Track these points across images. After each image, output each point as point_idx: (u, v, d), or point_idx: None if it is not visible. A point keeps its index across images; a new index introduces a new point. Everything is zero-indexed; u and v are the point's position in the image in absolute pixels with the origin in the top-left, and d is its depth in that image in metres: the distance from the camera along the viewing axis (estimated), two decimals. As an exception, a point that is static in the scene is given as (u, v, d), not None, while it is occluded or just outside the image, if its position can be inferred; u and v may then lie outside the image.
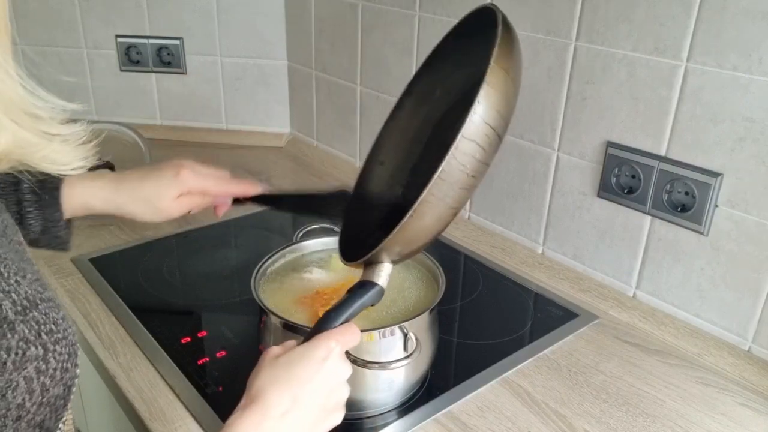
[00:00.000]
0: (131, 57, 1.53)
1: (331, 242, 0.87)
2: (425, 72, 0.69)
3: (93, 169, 0.94)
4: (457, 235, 1.17)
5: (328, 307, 0.76)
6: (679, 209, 0.89)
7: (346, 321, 0.58)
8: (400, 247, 0.58)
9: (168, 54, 1.52)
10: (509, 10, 1.02)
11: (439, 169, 0.52)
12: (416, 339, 0.70)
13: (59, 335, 0.42)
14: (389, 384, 0.74)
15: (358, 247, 0.63)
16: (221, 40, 1.51)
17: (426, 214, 0.55)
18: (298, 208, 0.94)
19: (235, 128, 1.60)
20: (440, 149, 0.52)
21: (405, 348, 0.71)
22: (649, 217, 0.93)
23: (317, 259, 0.87)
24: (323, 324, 0.57)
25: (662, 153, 0.90)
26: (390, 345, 0.71)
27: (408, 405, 0.77)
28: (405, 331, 0.70)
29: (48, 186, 0.77)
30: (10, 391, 0.38)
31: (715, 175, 0.84)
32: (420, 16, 1.18)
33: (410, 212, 0.54)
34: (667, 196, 0.90)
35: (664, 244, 0.93)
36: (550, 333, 0.91)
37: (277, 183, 1.38)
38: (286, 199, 0.92)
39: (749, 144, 0.81)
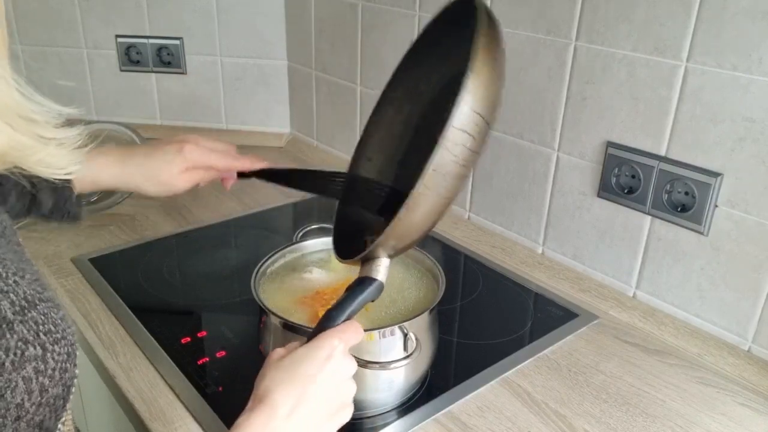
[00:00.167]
0: (131, 57, 1.53)
1: (331, 242, 0.87)
2: (406, 67, 0.69)
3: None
4: (457, 235, 1.17)
5: (328, 307, 0.76)
6: (679, 209, 0.89)
7: (348, 318, 0.58)
8: (396, 241, 0.58)
9: (168, 54, 1.52)
10: (509, 10, 1.03)
11: (431, 161, 0.52)
12: (416, 339, 0.70)
13: (58, 335, 0.42)
14: (389, 384, 0.74)
15: (352, 244, 0.63)
16: (221, 40, 1.51)
17: (420, 206, 0.55)
18: (301, 184, 0.93)
19: (235, 128, 1.60)
20: (429, 142, 0.52)
21: (405, 348, 0.71)
22: (649, 217, 0.93)
23: (317, 259, 0.87)
24: (325, 323, 0.57)
25: (662, 153, 0.90)
26: (390, 345, 0.71)
27: (408, 405, 0.77)
28: (405, 331, 0.70)
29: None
30: (9, 392, 0.38)
31: (715, 175, 0.84)
32: (420, 16, 1.18)
33: (405, 206, 0.54)
34: (667, 196, 0.90)
35: (664, 244, 0.93)
36: (550, 333, 0.91)
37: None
38: (289, 174, 0.91)
39: (749, 144, 0.81)
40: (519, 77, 1.05)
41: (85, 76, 1.56)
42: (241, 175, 0.90)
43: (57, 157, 0.46)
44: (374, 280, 0.60)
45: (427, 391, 0.79)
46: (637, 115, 0.91)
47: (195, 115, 1.59)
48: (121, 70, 1.55)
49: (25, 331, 0.40)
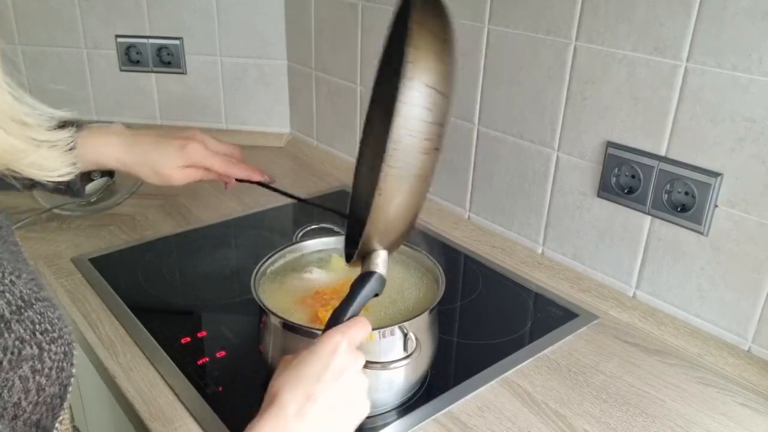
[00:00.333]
0: (131, 57, 1.53)
1: (331, 242, 0.87)
2: (382, 64, 0.70)
3: (86, 174, 0.97)
4: (457, 235, 1.17)
5: (327, 307, 0.76)
6: (679, 209, 0.89)
7: (354, 315, 0.59)
8: (384, 230, 0.58)
9: (168, 54, 1.52)
10: (509, 10, 1.03)
11: (389, 139, 0.52)
12: (416, 339, 0.70)
13: (55, 335, 0.42)
14: (389, 384, 0.74)
15: (354, 248, 0.63)
16: (221, 40, 1.51)
17: (394, 189, 0.55)
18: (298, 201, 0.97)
19: (235, 128, 1.60)
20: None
21: (405, 348, 0.71)
22: (649, 217, 0.93)
23: (317, 259, 0.87)
24: (331, 323, 0.58)
25: (662, 153, 0.89)
26: (390, 345, 0.71)
27: (408, 405, 0.77)
28: (405, 331, 0.70)
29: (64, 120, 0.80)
30: (6, 391, 0.38)
31: (715, 175, 0.84)
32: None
33: (377, 189, 0.54)
34: (666, 196, 0.90)
35: (664, 244, 0.93)
36: (550, 333, 0.91)
37: (277, 183, 1.38)
38: (286, 195, 0.95)
39: (749, 144, 0.81)
40: (519, 77, 1.05)
41: (85, 76, 1.56)
42: (241, 179, 0.94)
43: (49, 160, 0.47)
44: (373, 273, 0.60)
45: (427, 391, 0.79)
46: (637, 115, 0.91)
47: (195, 115, 1.59)
48: (121, 70, 1.55)
49: (22, 331, 0.40)
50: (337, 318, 0.58)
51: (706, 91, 0.83)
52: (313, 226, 0.90)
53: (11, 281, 0.41)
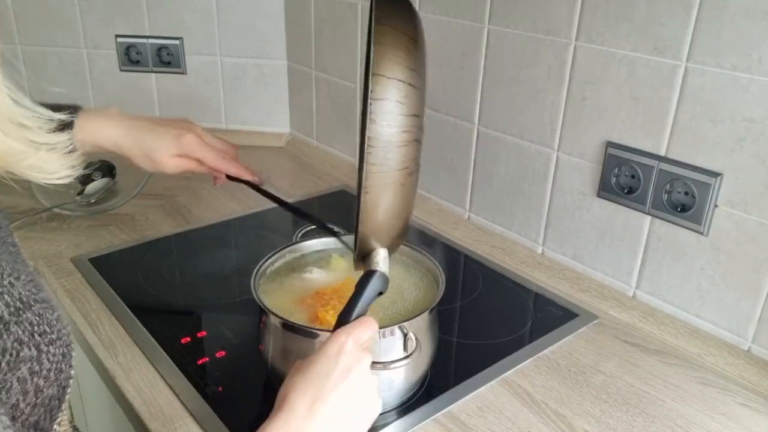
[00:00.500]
0: (131, 57, 1.53)
1: (331, 242, 0.87)
2: (366, 64, 0.70)
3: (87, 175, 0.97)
4: (457, 235, 1.17)
5: (327, 307, 0.76)
6: (678, 209, 0.89)
7: (360, 315, 0.59)
8: (378, 228, 0.59)
9: (168, 54, 1.52)
10: (509, 10, 1.03)
11: (367, 137, 0.52)
12: (416, 339, 0.70)
13: (53, 336, 0.42)
14: (389, 384, 0.74)
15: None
16: (221, 40, 1.51)
17: (380, 184, 0.55)
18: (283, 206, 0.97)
19: (235, 128, 1.60)
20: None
21: (405, 348, 0.71)
22: (649, 217, 0.93)
23: (317, 259, 0.87)
24: (337, 326, 0.58)
25: (662, 153, 0.89)
26: (390, 345, 0.71)
27: (408, 405, 0.77)
28: (405, 331, 0.70)
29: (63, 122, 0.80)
30: (4, 392, 0.38)
31: (715, 175, 0.84)
32: (420, 17, 1.17)
33: (363, 189, 0.54)
34: (666, 196, 0.90)
35: (664, 244, 0.93)
36: (550, 333, 0.91)
37: (278, 183, 1.39)
38: (273, 197, 0.95)
39: (749, 144, 0.81)
40: (519, 77, 1.05)
41: (85, 76, 1.56)
42: (231, 177, 0.95)
43: (48, 162, 0.47)
44: (374, 272, 0.61)
45: (427, 391, 0.79)
46: (637, 115, 0.91)
47: (195, 115, 1.57)
48: (121, 70, 1.55)
49: (20, 332, 0.40)
50: (342, 320, 0.59)
51: (706, 91, 0.83)
52: (313, 226, 0.90)
53: (10, 283, 0.41)
